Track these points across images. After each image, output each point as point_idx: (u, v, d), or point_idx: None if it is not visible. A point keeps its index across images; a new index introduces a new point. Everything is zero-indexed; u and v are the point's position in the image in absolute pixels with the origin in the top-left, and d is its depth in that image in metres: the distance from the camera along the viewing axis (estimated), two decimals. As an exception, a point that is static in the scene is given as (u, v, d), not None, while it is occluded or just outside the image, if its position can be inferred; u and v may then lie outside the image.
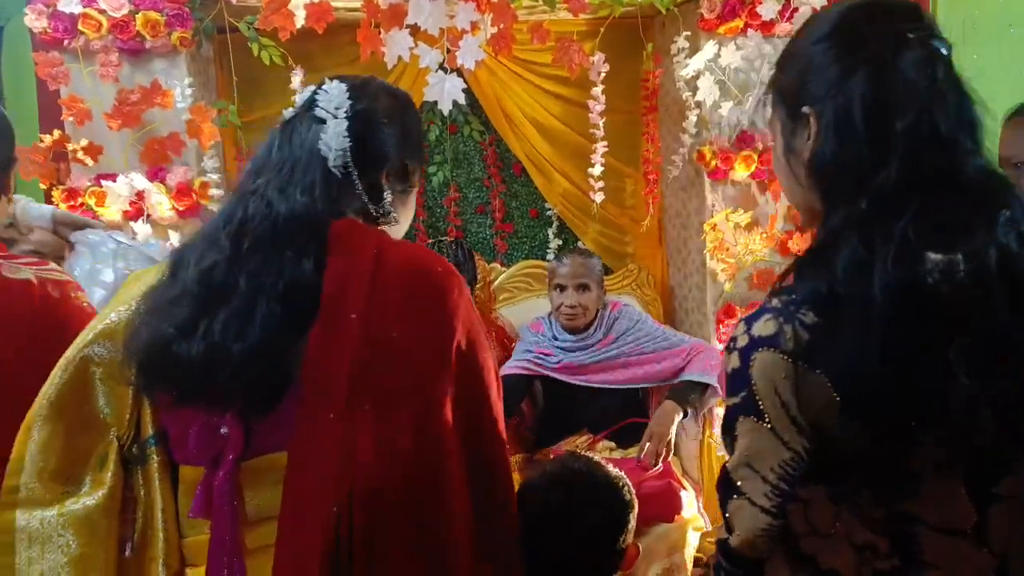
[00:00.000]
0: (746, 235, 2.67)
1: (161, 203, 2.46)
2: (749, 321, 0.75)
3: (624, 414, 2.13)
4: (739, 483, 0.75)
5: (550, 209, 3.02)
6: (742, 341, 0.74)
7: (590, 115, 2.67)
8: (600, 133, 2.67)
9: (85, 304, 1.05)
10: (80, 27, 2.35)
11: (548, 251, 3.04)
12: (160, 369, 0.83)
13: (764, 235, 2.68)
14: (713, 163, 2.63)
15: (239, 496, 0.84)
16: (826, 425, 0.72)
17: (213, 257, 0.85)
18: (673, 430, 2.08)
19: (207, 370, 0.81)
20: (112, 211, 2.46)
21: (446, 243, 2.26)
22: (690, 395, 2.12)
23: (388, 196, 0.98)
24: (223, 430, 0.83)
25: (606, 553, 1.07)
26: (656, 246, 3.11)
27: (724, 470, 0.78)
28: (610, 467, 1.14)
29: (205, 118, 2.43)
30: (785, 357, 0.71)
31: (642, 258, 3.10)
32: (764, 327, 0.73)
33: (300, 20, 2.36)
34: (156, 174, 2.49)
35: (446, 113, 2.55)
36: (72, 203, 2.44)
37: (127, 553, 0.88)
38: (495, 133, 2.94)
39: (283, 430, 0.81)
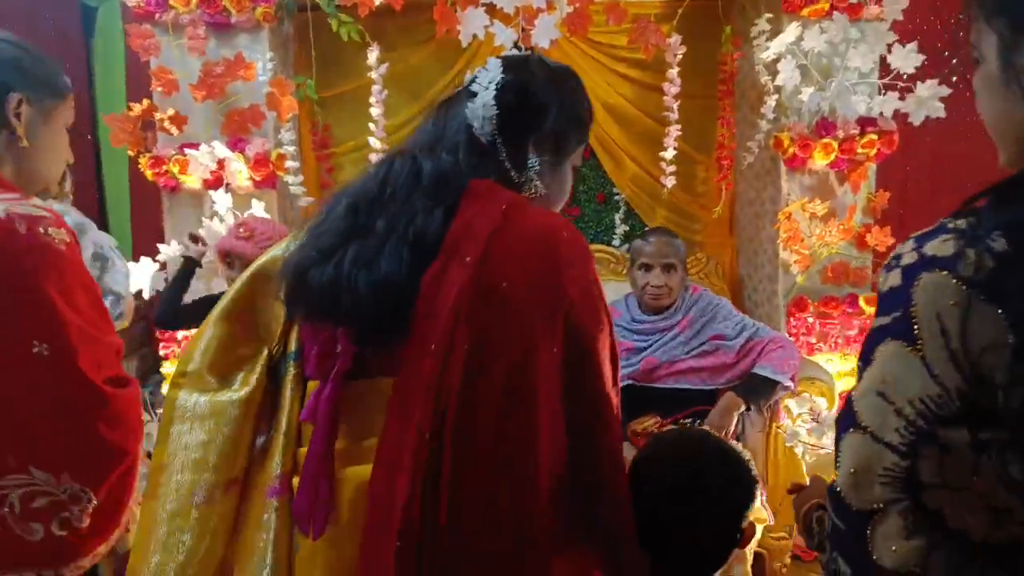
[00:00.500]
0: (822, 226, 2.58)
1: (240, 172, 2.54)
2: (921, 239, 0.66)
3: (694, 399, 2.09)
4: (862, 413, 0.66)
5: (618, 194, 2.99)
6: (908, 259, 0.65)
7: (665, 98, 2.63)
8: (674, 116, 2.62)
9: (57, 240, 1.00)
10: (171, 1, 2.44)
11: (614, 236, 3.01)
12: (298, 289, 0.93)
13: (841, 227, 2.58)
14: (791, 150, 2.55)
15: (337, 410, 0.92)
16: (990, 368, 0.62)
17: (360, 199, 0.94)
18: (733, 423, 2.02)
19: (333, 294, 0.89)
20: (194, 179, 2.55)
21: None
22: (757, 389, 2.06)
23: (535, 164, 0.99)
24: (338, 349, 0.91)
25: (731, 528, 1.00)
26: (727, 235, 3.04)
27: (848, 400, 0.68)
28: (733, 441, 1.06)
29: (285, 91, 2.49)
30: (959, 282, 0.62)
31: (711, 247, 3.03)
32: (940, 247, 0.64)
33: (379, -4, 2.39)
34: (236, 144, 2.57)
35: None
36: (157, 170, 2.55)
37: (257, 447, 1.01)
38: (566, 115, 2.92)
39: (393, 358, 0.88)
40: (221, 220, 2.54)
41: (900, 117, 2.51)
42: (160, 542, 0.94)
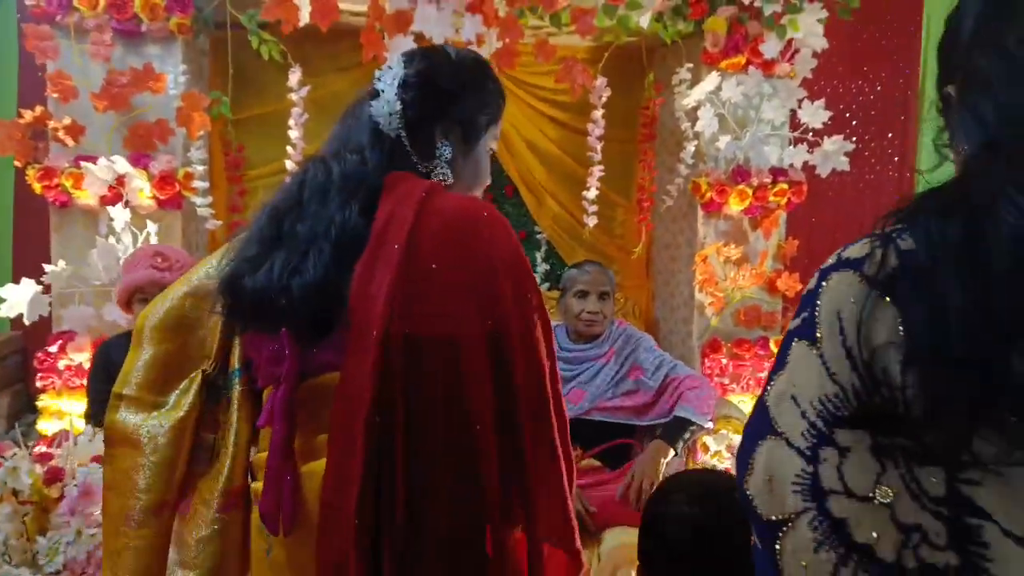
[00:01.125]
0: (735, 270, 2.66)
1: (142, 190, 2.37)
2: (845, 245, 0.66)
3: (617, 432, 2.06)
4: (776, 419, 0.63)
5: (539, 232, 2.99)
6: (828, 262, 0.65)
7: (588, 139, 2.66)
8: (597, 156, 2.66)
9: None
10: (75, 2, 2.29)
11: (535, 273, 2.99)
12: (234, 299, 0.95)
13: (754, 271, 2.67)
14: (708, 195, 2.62)
15: (293, 410, 0.95)
16: (884, 368, 0.60)
17: (281, 206, 0.97)
18: (662, 470, 2.01)
19: (268, 300, 0.92)
20: (88, 194, 2.36)
21: None
22: (681, 434, 2.06)
23: (446, 153, 0.99)
24: (286, 352, 0.94)
25: (749, 568, 0.97)
26: (644, 277, 3.09)
27: (760, 405, 0.65)
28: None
29: (197, 106, 2.36)
30: (862, 280, 0.62)
31: (629, 288, 3.07)
32: (857, 250, 0.63)
33: (305, 16, 2.32)
34: (139, 160, 2.40)
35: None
36: (48, 183, 2.34)
37: (201, 465, 1.04)
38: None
39: (337, 353, 0.90)
40: (118, 240, 2.35)
41: (808, 169, 2.64)
42: (110, 558, 1.01)
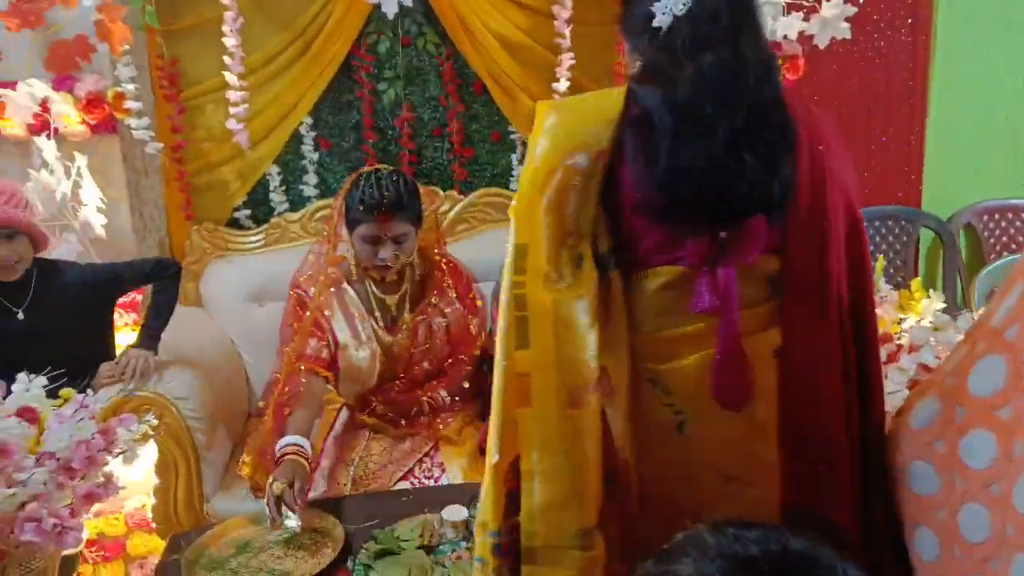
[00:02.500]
0: (726, 161, 2.42)
1: (68, 115, 2.19)
2: None
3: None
4: None
5: (514, 132, 2.75)
6: None
7: (555, 23, 2.39)
8: (566, 43, 2.39)
9: None
10: (-38, -94, 2.04)
11: (511, 179, 2.78)
12: (685, 196, 1.03)
13: (746, 161, 2.43)
14: (691, 78, 2.36)
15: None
16: None
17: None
18: None
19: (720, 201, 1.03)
20: (14, 124, 2.18)
21: (384, 174, 1.95)
22: None
23: None
24: (722, 235, 1.03)
25: None
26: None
27: None
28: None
29: (115, 17, 2.13)
30: None
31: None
32: None
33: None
34: (64, 83, 2.21)
35: (391, 16, 2.26)
36: (-33, 115, 2.17)
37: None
38: (452, 46, 2.63)
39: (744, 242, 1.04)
40: (51, 172, 2.19)
41: (804, 40, 2.34)
42: (542, 442, 1.02)
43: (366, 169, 2.02)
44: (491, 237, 2.63)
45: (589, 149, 1.04)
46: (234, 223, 2.67)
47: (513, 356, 1.04)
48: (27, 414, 1.48)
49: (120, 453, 1.52)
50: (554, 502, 1.02)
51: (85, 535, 1.42)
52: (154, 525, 2.07)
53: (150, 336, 2.06)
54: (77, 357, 1.90)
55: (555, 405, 1.02)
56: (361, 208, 1.88)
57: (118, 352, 2.08)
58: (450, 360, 2.17)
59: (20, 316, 1.91)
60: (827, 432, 1.05)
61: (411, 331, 2.07)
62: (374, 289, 2.05)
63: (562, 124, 1.06)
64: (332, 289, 2.02)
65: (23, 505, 1.38)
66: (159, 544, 2.17)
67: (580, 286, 1.03)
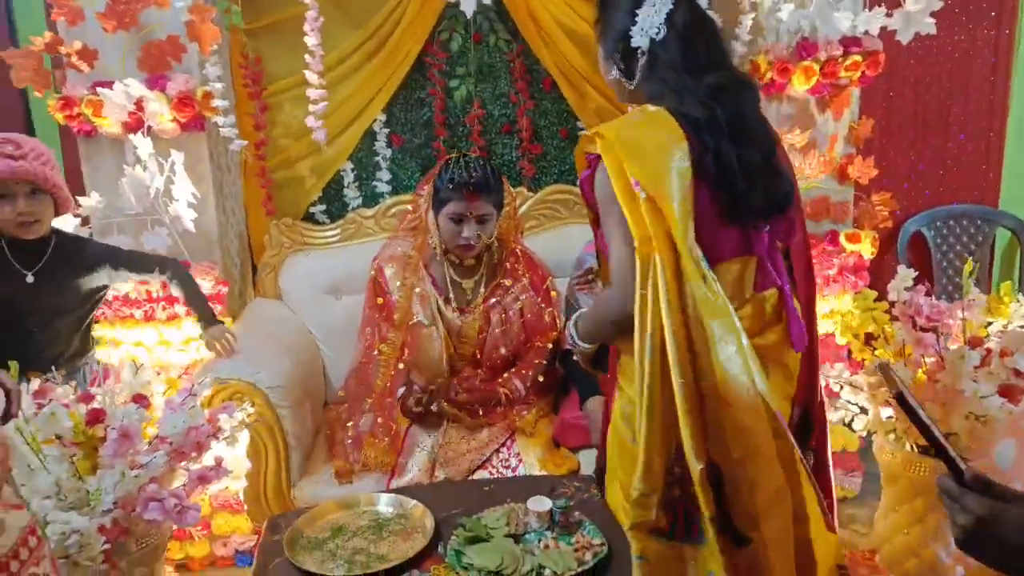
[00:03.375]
0: (802, 158, 2.40)
1: (161, 113, 2.28)
2: None
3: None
4: None
5: (582, 128, 2.77)
6: None
7: (630, 20, 2.38)
8: (640, 40, 2.38)
9: None
10: (66, -86, 2.13)
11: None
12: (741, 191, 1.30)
13: (822, 158, 2.41)
14: (768, 75, 2.34)
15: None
16: None
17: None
18: None
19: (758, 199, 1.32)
20: (110, 122, 2.28)
21: (472, 158, 2.04)
22: None
23: None
24: (766, 228, 1.34)
25: None
26: (698, 171, 2.85)
27: None
28: None
29: (205, 17, 2.21)
30: None
31: (682, 184, 2.84)
32: None
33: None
34: (156, 82, 2.30)
35: (469, 14, 2.28)
36: (68, 112, 2.27)
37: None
38: (523, 43, 2.66)
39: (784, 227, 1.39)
40: (144, 168, 2.29)
41: (886, 36, 2.31)
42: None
43: (454, 154, 2.11)
44: (559, 234, 2.66)
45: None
46: (309, 218, 2.75)
47: (688, 374, 1.24)
48: (141, 400, 1.57)
49: (225, 439, 1.60)
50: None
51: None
52: (245, 508, 2.15)
53: (211, 315, 2.16)
54: (63, 333, 1.97)
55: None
56: (451, 186, 1.99)
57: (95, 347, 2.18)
58: (527, 346, 2.22)
59: (29, 279, 1.93)
60: (816, 356, 1.46)
61: (484, 313, 2.13)
62: (451, 273, 2.12)
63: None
64: (408, 271, 2.10)
65: (142, 487, 1.47)
66: (243, 523, 2.27)
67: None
